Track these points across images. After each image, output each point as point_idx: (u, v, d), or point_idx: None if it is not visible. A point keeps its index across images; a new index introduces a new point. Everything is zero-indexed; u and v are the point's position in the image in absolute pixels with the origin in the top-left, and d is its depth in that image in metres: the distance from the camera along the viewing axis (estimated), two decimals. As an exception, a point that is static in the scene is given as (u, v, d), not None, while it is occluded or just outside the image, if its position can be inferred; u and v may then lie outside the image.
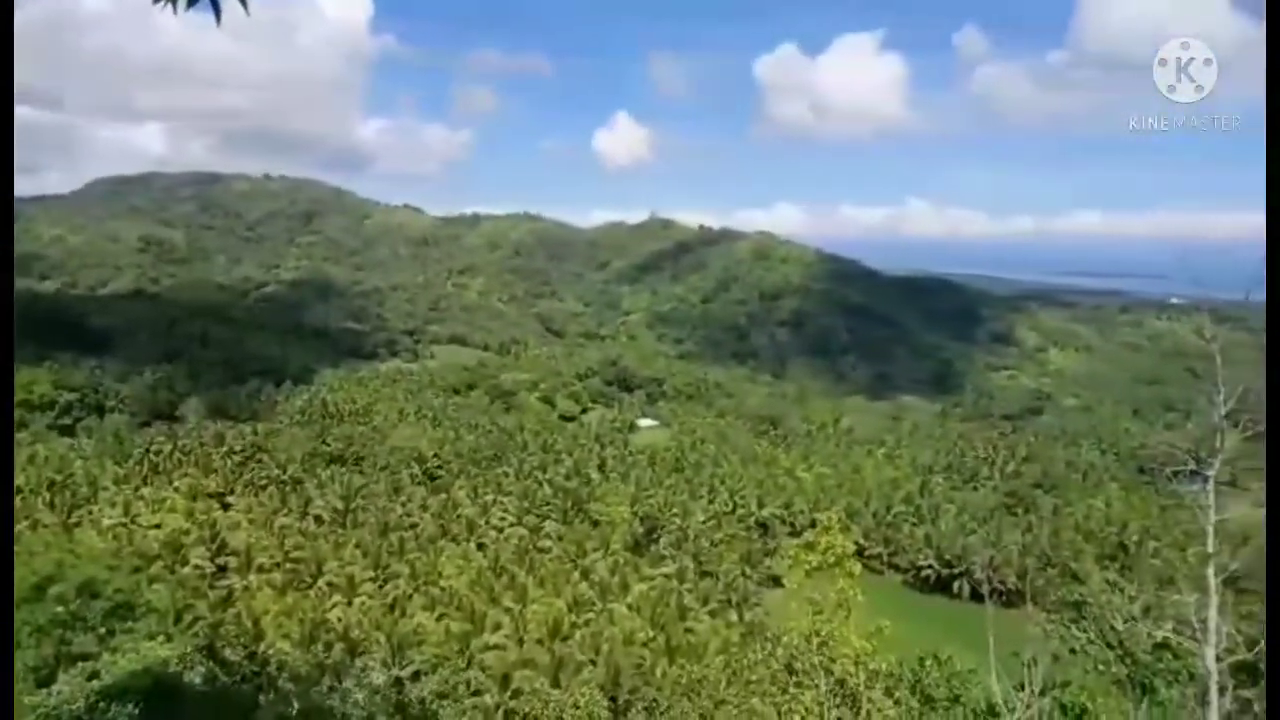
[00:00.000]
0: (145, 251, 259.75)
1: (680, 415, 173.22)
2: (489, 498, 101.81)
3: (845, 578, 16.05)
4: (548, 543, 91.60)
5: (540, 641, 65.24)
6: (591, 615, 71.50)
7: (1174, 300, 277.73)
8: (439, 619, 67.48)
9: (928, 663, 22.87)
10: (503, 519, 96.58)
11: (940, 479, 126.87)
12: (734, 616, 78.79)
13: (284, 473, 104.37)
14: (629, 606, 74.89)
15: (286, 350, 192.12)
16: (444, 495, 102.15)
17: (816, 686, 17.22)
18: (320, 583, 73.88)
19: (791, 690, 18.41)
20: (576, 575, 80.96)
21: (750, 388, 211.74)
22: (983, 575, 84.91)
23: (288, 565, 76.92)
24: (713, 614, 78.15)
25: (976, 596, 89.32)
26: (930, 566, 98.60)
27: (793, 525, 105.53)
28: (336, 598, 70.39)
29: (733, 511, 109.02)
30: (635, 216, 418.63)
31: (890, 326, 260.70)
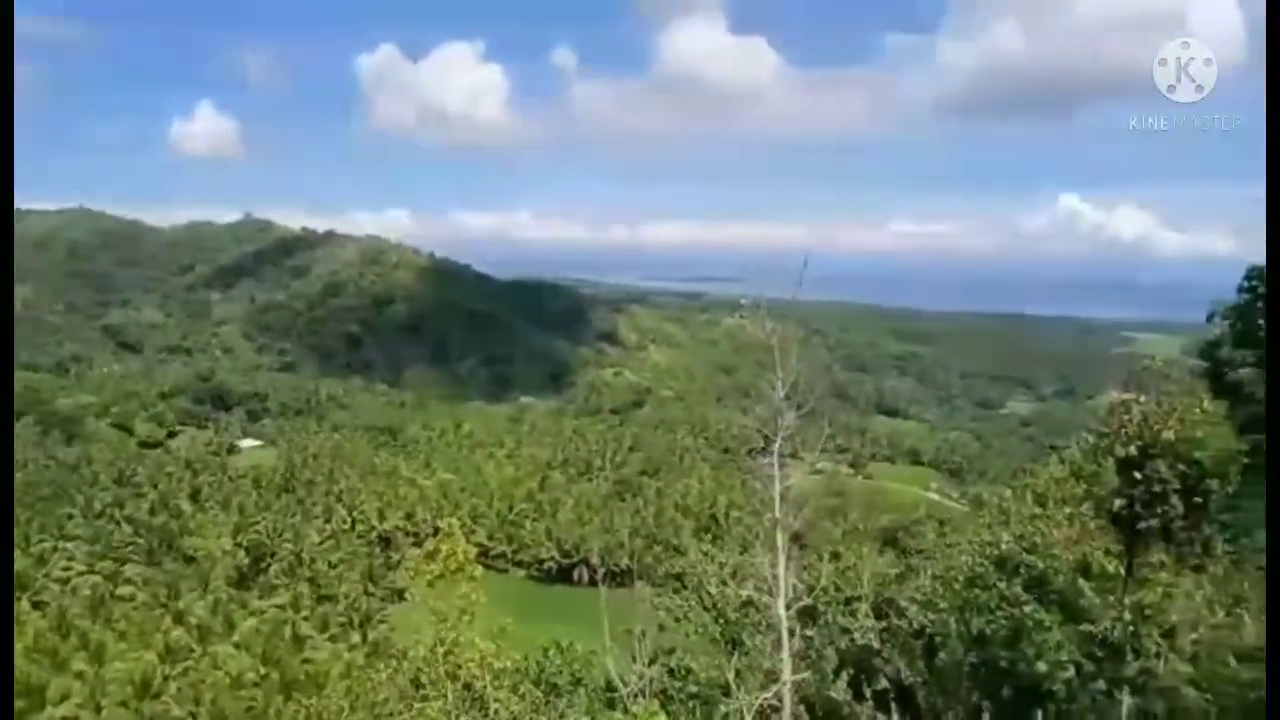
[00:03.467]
0: None
1: (288, 432, 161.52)
2: (47, 545, 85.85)
3: (468, 582, 15.96)
4: (130, 589, 79.82)
5: (124, 704, 56.53)
6: (190, 663, 63.78)
7: (743, 301, 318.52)
8: (-19, 702, 55.17)
9: (551, 652, 23.72)
10: (68, 568, 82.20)
11: (558, 474, 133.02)
12: (357, 638, 75.65)
13: None
14: (236, 646, 68.36)
15: None
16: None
17: (444, 696, 16.94)
18: None
19: (418, 705, 17.93)
20: (169, 621, 71.70)
21: (365, 398, 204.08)
22: (598, 560, 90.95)
23: None
24: (333, 639, 74.33)
25: (596, 581, 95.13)
26: (552, 558, 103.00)
27: (416, 535, 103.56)
28: None
29: (352, 528, 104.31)
30: (226, 216, 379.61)
31: (505, 330, 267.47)
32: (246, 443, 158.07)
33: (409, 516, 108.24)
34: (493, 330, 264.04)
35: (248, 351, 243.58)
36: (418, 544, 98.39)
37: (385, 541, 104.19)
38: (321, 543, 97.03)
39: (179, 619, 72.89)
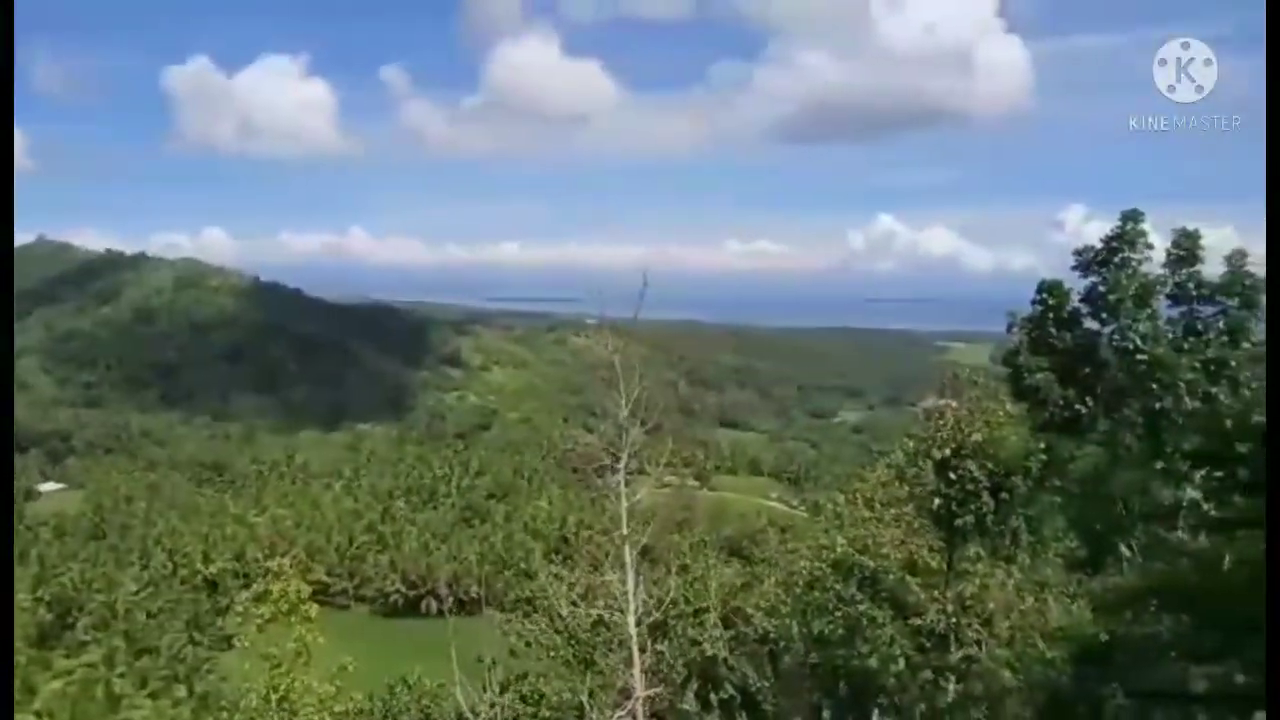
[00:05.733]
0: None
1: (96, 473, 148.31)
2: None
3: (303, 623, 15.12)
4: (-96, 660, 70.42)
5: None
6: (-19, 738, 56.89)
7: (588, 320, 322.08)
8: None
9: (397, 689, 22.86)
10: None
11: (401, 503, 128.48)
12: (182, 692, 70.13)
13: None
14: (38, 714, 61.74)
15: None
16: None
17: (279, 746, 15.95)
18: None
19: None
20: (-47, 693, 63.78)
21: (185, 431, 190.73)
22: (446, 590, 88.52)
23: None
24: (155, 695, 68.74)
25: (445, 611, 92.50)
26: (397, 591, 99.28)
27: (247, 577, 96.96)
28: None
29: (173, 574, 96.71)
30: (17, 237, 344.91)
31: (340, 355, 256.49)
32: (47, 486, 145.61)
33: (238, 557, 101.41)
34: (325, 355, 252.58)
35: (46, 385, 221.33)
36: (248, 586, 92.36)
37: (212, 585, 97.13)
38: (138, 591, 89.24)
39: (-34, 689, 65.12)
